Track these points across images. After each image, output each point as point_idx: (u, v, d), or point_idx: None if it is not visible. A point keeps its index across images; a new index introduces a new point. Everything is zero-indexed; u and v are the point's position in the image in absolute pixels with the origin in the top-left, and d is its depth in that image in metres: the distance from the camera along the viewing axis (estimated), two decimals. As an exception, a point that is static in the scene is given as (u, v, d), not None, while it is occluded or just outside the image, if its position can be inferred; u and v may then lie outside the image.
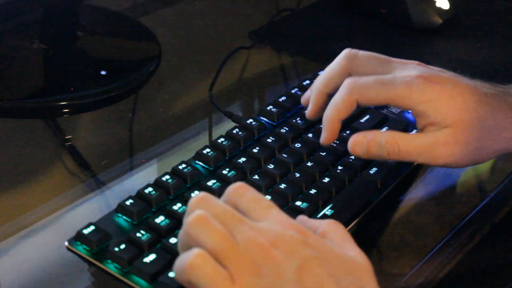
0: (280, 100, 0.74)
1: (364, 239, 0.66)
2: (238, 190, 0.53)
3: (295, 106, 0.74)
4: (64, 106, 0.78)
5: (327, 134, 0.66)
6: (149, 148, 0.75)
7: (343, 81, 0.66)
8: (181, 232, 0.51)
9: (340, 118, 0.65)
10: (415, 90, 0.63)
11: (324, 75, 0.68)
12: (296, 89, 0.76)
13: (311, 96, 0.69)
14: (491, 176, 0.74)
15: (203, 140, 0.78)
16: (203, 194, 0.52)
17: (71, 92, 0.80)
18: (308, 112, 0.70)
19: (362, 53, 0.67)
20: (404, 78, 0.64)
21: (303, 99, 0.72)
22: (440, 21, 0.95)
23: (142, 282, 0.55)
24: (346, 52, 0.67)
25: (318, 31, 0.96)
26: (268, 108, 0.73)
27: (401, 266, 0.63)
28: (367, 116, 0.73)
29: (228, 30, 0.95)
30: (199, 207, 0.51)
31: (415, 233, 0.66)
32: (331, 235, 0.53)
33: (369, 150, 0.64)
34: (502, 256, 0.73)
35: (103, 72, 0.84)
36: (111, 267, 0.56)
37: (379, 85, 0.64)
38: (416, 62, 0.67)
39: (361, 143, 0.64)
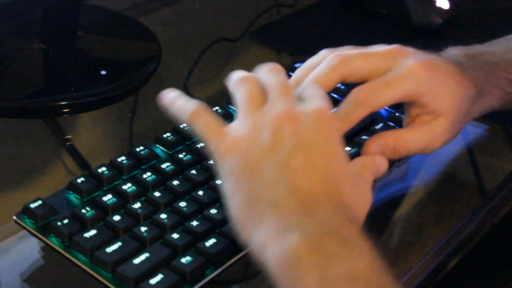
0: None
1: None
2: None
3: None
4: (64, 106, 0.78)
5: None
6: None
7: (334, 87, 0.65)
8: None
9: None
10: (421, 83, 0.64)
11: (317, 80, 0.64)
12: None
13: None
14: (491, 176, 0.74)
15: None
16: (276, 66, 0.60)
17: (71, 92, 0.80)
18: None
19: (355, 57, 0.65)
20: (408, 74, 0.64)
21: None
22: (440, 21, 0.95)
23: (80, 256, 0.56)
24: (337, 60, 0.64)
25: (318, 31, 0.96)
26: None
27: (401, 266, 0.63)
28: None
29: (228, 30, 0.95)
30: (269, 69, 0.59)
31: (415, 233, 0.66)
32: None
33: (384, 154, 0.64)
34: (502, 256, 0.73)
35: (103, 72, 0.84)
36: (53, 241, 0.57)
37: (389, 88, 0.63)
38: (397, 46, 0.67)
39: (375, 149, 0.64)
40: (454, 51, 0.70)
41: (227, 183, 0.53)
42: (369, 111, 0.63)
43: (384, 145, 0.64)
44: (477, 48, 0.72)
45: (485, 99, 0.68)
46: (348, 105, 0.63)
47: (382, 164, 0.60)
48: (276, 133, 0.53)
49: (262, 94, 0.56)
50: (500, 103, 0.70)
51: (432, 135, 0.65)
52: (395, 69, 0.64)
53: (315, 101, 0.56)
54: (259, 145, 0.53)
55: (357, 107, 0.62)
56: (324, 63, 0.64)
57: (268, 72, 0.59)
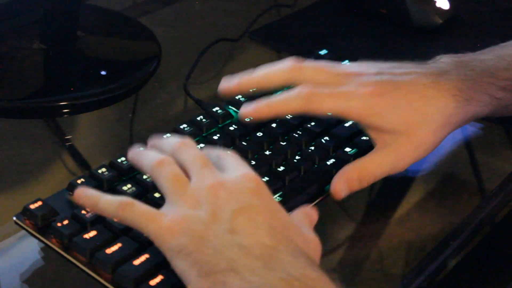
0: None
1: (364, 239, 0.66)
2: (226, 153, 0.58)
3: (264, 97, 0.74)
4: (64, 106, 0.78)
5: (255, 113, 0.66)
6: (149, 148, 0.75)
7: (280, 88, 0.67)
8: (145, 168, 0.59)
9: (278, 116, 0.67)
10: (363, 105, 0.65)
11: (264, 77, 0.68)
12: None
13: (242, 79, 0.69)
14: (491, 176, 0.74)
15: (203, 140, 0.78)
16: (186, 140, 0.59)
17: (71, 92, 0.80)
18: (225, 87, 0.69)
19: (308, 66, 0.67)
20: (355, 93, 0.65)
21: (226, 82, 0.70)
22: (440, 21, 0.95)
23: (80, 257, 0.56)
24: (290, 64, 0.68)
25: (318, 31, 0.96)
26: (237, 97, 0.73)
27: (401, 266, 0.63)
28: (352, 121, 0.72)
29: (228, 30, 0.95)
30: (179, 145, 0.58)
31: (415, 233, 0.66)
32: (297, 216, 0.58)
33: (352, 189, 0.65)
34: (502, 256, 0.73)
35: (103, 72, 0.84)
36: (53, 242, 0.57)
37: (334, 98, 0.65)
38: (374, 71, 0.68)
39: (342, 188, 0.65)
40: (443, 59, 0.70)
41: (178, 262, 0.52)
42: (304, 110, 0.66)
43: (348, 180, 0.65)
44: (467, 56, 0.72)
45: (471, 106, 0.68)
46: (290, 94, 0.66)
47: (313, 215, 0.60)
48: (213, 204, 0.53)
49: (182, 173, 0.56)
50: (490, 109, 0.70)
51: (395, 155, 0.66)
52: (343, 86, 0.66)
53: (237, 168, 0.57)
54: (200, 219, 0.52)
55: (296, 100, 0.65)
56: (282, 63, 0.68)
57: (181, 149, 0.58)
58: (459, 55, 0.71)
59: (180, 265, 0.52)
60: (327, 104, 0.65)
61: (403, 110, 0.66)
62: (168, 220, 0.53)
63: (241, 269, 0.50)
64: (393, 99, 0.66)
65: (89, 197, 0.57)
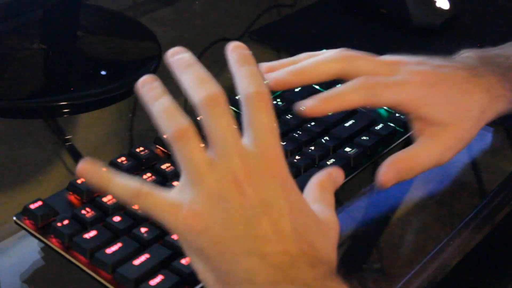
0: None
1: (364, 239, 0.66)
2: (258, 103, 0.52)
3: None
4: (64, 106, 0.78)
5: (315, 109, 0.63)
6: (149, 148, 0.75)
7: (329, 79, 0.65)
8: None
9: (338, 110, 0.65)
10: (416, 95, 0.64)
11: (314, 69, 0.64)
12: None
13: (289, 73, 0.65)
14: (491, 176, 0.74)
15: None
16: (216, 95, 0.52)
17: (71, 92, 0.80)
18: (275, 80, 0.64)
19: (359, 56, 0.65)
20: (409, 82, 0.64)
21: (269, 66, 0.67)
22: (440, 21, 0.95)
23: (81, 257, 0.56)
24: (341, 54, 0.65)
25: (318, 31, 0.96)
26: None
27: (401, 266, 0.63)
28: (352, 121, 0.72)
29: (228, 30, 0.95)
30: (209, 107, 0.52)
31: (415, 233, 0.66)
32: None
33: (401, 179, 0.64)
34: (502, 256, 0.73)
35: (103, 72, 0.84)
36: (53, 242, 0.57)
37: (391, 89, 0.64)
38: (415, 60, 0.67)
39: (392, 177, 0.64)
40: (467, 54, 0.70)
41: (198, 263, 0.51)
42: (364, 103, 0.64)
43: (399, 169, 0.64)
44: (491, 51, 0.71)
45: (499, 103, 0.68)
46: (349, 87, 0.63)
47: (339, 177, 0.59)
48: (236, 202, 0.49)
49: (204, 152, 0.51)
50: None
51: (443, 147, 0.65)
52: (396, 76, 0.65)
53: (261, 138, 0.51)
54: (221, 218, 0.49)
55: (358, 93, 0.63)
56: (329, 53, 0.65)
57: (210, 111, 0.52)
58: (482, 50, 0.71)
59: (198, 266, 0.51)
60: (386, 95, 0.64)
61: (451, 103, 0.65)
62: (185, 213, 0.50)
63: (259, 281, 0.48)
64: (442, 90, 0.65)
65: (99, 176, 0.53)
